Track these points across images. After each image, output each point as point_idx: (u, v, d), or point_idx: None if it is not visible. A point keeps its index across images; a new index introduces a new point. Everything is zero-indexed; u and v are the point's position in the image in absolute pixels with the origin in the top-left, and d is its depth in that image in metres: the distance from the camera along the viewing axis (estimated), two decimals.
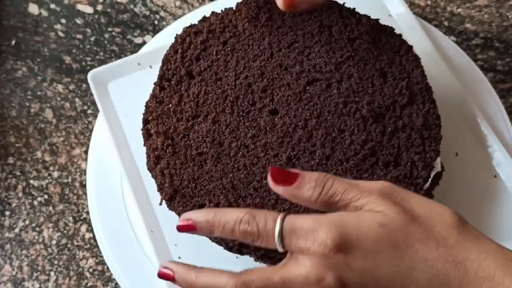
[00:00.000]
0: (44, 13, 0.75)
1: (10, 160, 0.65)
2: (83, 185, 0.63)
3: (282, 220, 0.37)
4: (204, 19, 0.56)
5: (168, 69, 0.54)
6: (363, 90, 0.50)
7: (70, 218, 0.62)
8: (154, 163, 0.50)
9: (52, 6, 0.75)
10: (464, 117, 0.59)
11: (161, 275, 0.40)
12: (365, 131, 0.48)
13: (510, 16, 0.71)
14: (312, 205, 0.38)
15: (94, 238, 0.60)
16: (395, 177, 0.47)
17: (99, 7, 0.75)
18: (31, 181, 0.64)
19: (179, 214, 0.48)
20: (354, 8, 0.55)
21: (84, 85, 0.69)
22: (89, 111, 0.68)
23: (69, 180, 0.64)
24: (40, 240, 0.61)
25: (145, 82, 0.59)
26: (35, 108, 0.68)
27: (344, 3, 0.55)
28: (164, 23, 0.73)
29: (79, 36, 0.73)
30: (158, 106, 0.52)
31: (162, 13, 0.74)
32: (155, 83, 0.54)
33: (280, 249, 0.37)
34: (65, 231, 0.61)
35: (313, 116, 0.49)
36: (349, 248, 0.35)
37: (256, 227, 0.37)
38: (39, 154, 0.65)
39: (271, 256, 0.48)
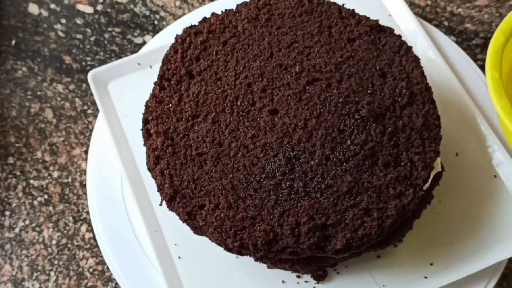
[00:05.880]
0: (44, 13, 0.75)
1: (10, 160, 0.65)
2: (83, 185, 0.63)
3: None
4: (204, 20, 0.56)
5: (168, 69, 0.54)
6: (363, 90, 0.50)
7: (70, 218, 0.62)
8: (154, 163, 0.50)
9: (52, 6, 0.75)
10: (464, 117, 0.58)
11: None
12: (365, 131, 0.48)
13: None
14: None
15: (94, 238, 0.60)
16: (395, 177, 0.47)
17: (99, 7, 0.75)
18: (31, 181, 0.64)
19: (179, 215, 0.48)
20: (353, 9, 0.55)
21: (84, 85, 0.69)
22: (89, 111, 0.68)
23: (69, 180, 0.64)
24: (40, 240, 0.61)
25: (145, 82, 0.60)
26: (35, 108, 0.68)
27: (343, 4, 0.55)
28: (164, 23, 0.73)
29: (79, 36, 0.73)
30: (158, 106, 0.52)
31: (162, 13, 0.74)
32: (155, 83, 0.54)
33: None
34: (65, 231, 0.61)
35: (313, 116, 0.49)
36: None
37: None
38: (39, 154, 0.65)
39: (270, 257, 0.48)
